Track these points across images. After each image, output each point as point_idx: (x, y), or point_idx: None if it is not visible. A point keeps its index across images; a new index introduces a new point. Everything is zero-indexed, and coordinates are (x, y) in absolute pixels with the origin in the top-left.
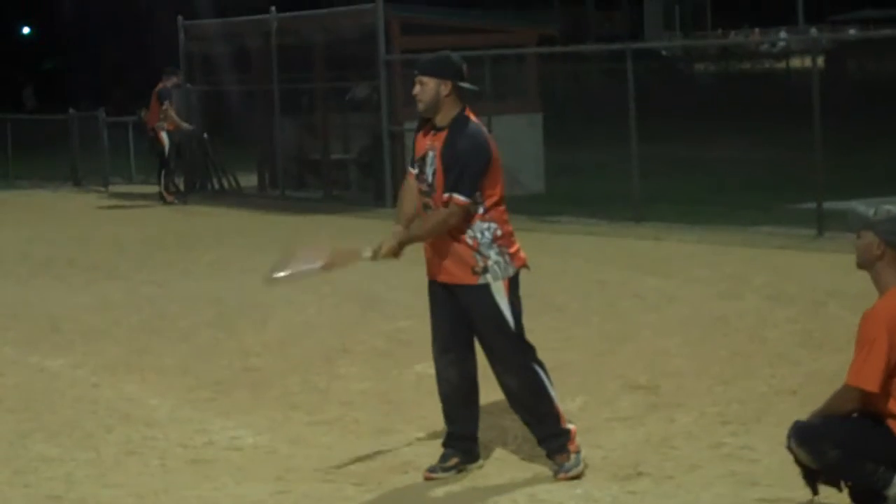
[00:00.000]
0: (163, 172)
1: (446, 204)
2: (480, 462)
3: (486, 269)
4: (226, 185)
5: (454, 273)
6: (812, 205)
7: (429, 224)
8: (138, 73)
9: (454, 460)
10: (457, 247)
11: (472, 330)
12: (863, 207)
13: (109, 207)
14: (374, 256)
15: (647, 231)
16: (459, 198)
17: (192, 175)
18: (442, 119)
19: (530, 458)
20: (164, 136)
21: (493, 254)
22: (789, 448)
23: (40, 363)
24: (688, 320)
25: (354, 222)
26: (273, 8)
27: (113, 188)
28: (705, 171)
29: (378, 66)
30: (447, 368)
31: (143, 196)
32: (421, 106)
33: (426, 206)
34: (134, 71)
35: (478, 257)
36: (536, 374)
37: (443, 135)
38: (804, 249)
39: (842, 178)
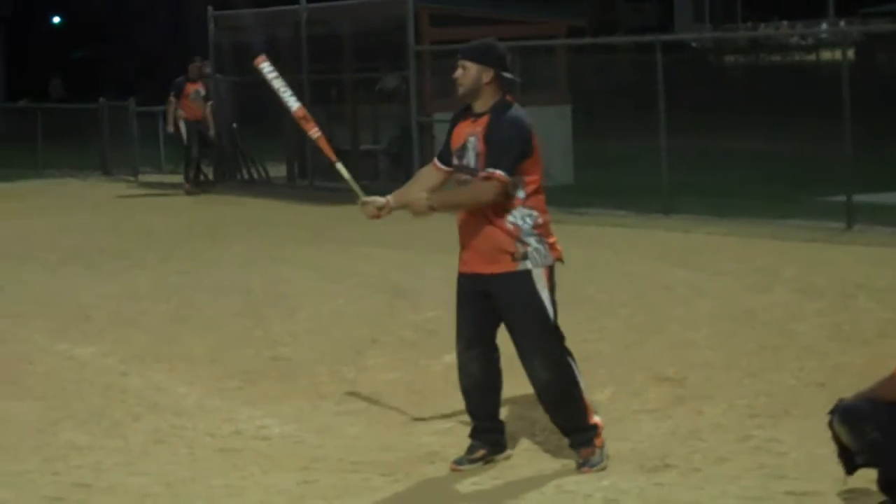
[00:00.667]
0: (184, 163)
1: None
2: (508, 453)
3: (525, 256)
4: (255, 175)
5: (493, 262)
6: (842, 198)
7: (465, 193)
8: (169, 63)
9: (481, 452)
10: (497, 234)
11: (502, 323)
12: None
13: (138, 196)
14: (383, 208)
15: (675, 223)
16: (501, 173)
17: (221, 165)
18: (481, 105)
19: (558, 450)
20: (182, 126)
21: (533, 241)
22: (830, 425)
23: (69, 351)
24: (716, 313)
25: None
26: None
27: (142, 177)
28: (734, 164)
29: (407, 57)
30: (471, 363)
31: (173, 185)
32: (461, 90)
33: None
34: (165, 61)
35: (518, 244)
36: (569, 366)
37: (484, 119)
38: (833, 242)
39: (871, 170)
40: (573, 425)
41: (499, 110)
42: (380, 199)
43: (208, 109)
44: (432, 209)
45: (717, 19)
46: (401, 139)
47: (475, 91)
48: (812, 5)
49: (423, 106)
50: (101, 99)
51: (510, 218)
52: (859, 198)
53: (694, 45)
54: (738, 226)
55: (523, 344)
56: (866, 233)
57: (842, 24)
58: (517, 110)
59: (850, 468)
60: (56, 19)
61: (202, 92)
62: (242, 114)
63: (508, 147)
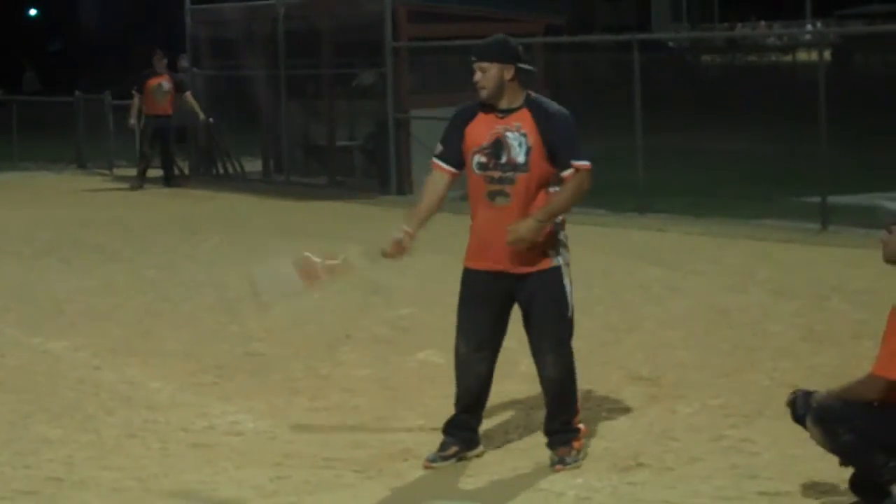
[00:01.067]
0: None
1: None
2: (480, 449)
3: (558, 252)
4: (230, 169)
5: (533, 259)
6: (816, 198)
7: (567, 195)
8: (145, 57)
9: (454, 449)
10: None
11: (524, 320)
12: (890, 203)
13: (114, 190)
14: (402, 241)
15: (651, 222)
16: (585, 163)
17: (195, 159)
18: (508, 102)
19: (532, 448)
20: (140, 120)
21: (562, 237)
22: (798, 419)
23: (42, 345)
24: (691, 312)
25: (359, 209)
26: None
27: (118, 171)
28: (710, 163)
29: (385, 53)
30: (479, 364)
31: (149, 179)
32: (484, 93)
33: (497, 195)
34: (141, 55)
35: (552, 239)
36: (574, 365)
37: (521, 115)
38: (808, 243)
39: (847, 172)
40: (560, 425)
41: (538, 104)
42: (397, 235)
43: (190, 98)
44: (543, 224)
45: (695, 19)
46: (377, 136)
47: (499, 91)
48: (789, 7)
49: (400, 102)
50: (77, 92)
51: None
52: (834, 199)
53: (671, 44)
54: (714, 225)
55: (542, 340)
56: (841, 234)
57: (818, 25)
58: (552, 102)
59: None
60: (32, 11)
61: (166, 86)
62: (218, 108)
63: (575, 136)
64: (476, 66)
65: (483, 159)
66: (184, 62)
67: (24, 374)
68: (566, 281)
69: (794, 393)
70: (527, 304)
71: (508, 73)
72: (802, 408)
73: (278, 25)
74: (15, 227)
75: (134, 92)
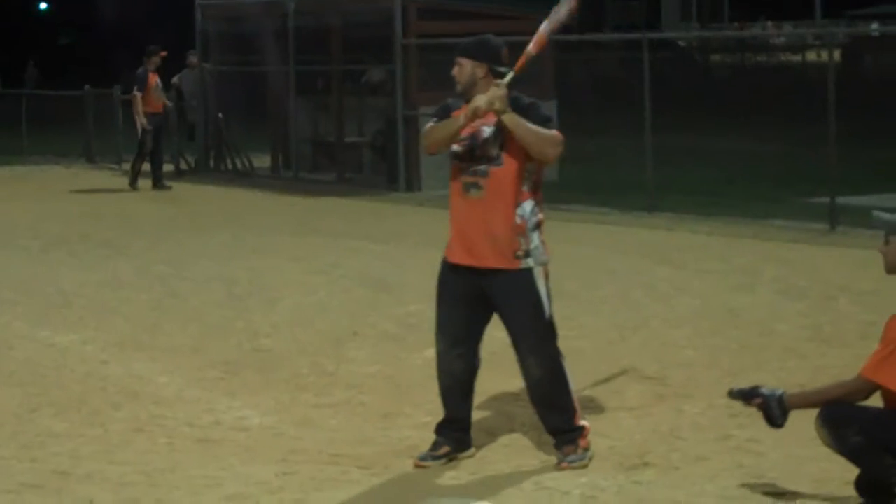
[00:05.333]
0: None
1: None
2: (472, 451)
3: (528, 254)
4: (239, 165)
5: (497, 256)
6: (825, 199)
7: (538, 131)
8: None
9: (445, 449)
10: (505, 227)
11: (495, 320)
12: (887, 214)
13: (122, 185)
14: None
15: (659, 221)
16: (556, 132)
17: (205, 154)
18: None
19: (537, 446)
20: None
21: (535, 238)
22: (772, 420)
23: (50, 338)
24: (698, 312)
25: (367, 205)
26: None
27: (126, 166)
28: (719, 163)
29: (394, 50)
30: (454, 362)
31: (134, 172)
32: (458, 87)
33: (471, 186)
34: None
35: (522, 240)
36: (562, 365)
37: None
38: (816, 243)
39: (855, 173)
40: (560, 425)
41: (515, 100)
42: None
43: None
44: (504, 112)
45: (704, 19)
46: (386, 132)
47: (471, 87)
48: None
49: (408, 99)
50: (87, 86)
51: (519, 211)
52: (843, 199)
53: (681, 43)
54: (722, 225)
55: (520, 341)
56: (849, 234)
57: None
58: (530, 98)
59: None
60: (43, 5)
61: (160, 83)
62: (227, 104)
63: (549, 117)
64: (456, 59)
65: (459, 150)
66: (193, 57)
67: (32, 368)
68: (539, 283)
69: (756, 390)
70: (499, 306)
71: (481, 72)
72: (777, 408)
73: (288, 21)
74: (23, 220)
75: (136, 91)
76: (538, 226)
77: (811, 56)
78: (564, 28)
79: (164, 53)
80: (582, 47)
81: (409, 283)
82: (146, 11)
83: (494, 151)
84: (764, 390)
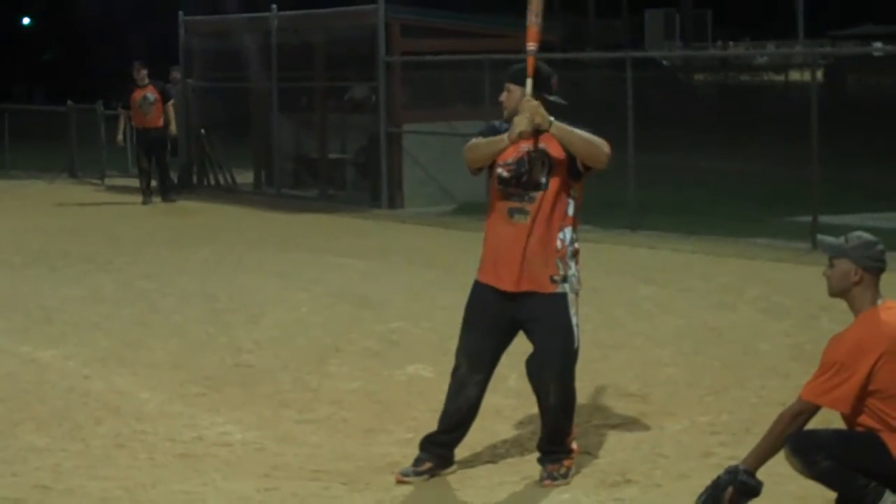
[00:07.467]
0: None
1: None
2: (454, 468)
3: (565, 279)
4: (222, 181)
5: (533, 279)
6: (807, 218)
7: (588, 137)
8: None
9: (428, 465)
10: (546, 250)
11: (530, 344)
12: (831, 238)
13: (105, 200)
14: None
15: (642, 239)
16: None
17: (188, 170)
18: None
19: (520, 462)
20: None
21: (573, 265)
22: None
23: (31, 353)
24: (681, 330)
25: (350, 222)
26: (274, 6)
27: (109, 181)
28: (702, 182)
29: (377, 68)
30: (472, 387)
31: (140, 190)
32: (506, 113)
33: (515, 212)
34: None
35: (560, 265)
36: (575, 396)
37: (546, 136)
38: (799, 263)
39: (838, 192)
40: (553, 445)
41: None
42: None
43: (170, 109)
44: (547, 119)
45: (688, 38)
46: (369, 149)
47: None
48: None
49: (391, 116)
50: (69, 102)
51: (560, 235)
52: (825, 219)
53: (664, 62)
54: (705, 244)
55: (544, 367)
56: None
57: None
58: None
59: None
60: (26, 20)
61: (151, 97)
62: (210, 119)
63: (594, 133)
64: (505, 85)
65: (506, 174)
66: (176, 73)
67: (13, 383)
68: (572, 311)
69: (717, 488)
70: (529, 328)
71: None
72: (746, 480)
73: (271, 38)
74: (5, 234)
75: (120, 109)
76: (576, 254)
77: (794, 76)
78: (548, 47)
79: (142, 68)
80: (565, 66)
81: (392, 300)
82: (131, 23)
83: (543, 178)
84: (723, 479)
